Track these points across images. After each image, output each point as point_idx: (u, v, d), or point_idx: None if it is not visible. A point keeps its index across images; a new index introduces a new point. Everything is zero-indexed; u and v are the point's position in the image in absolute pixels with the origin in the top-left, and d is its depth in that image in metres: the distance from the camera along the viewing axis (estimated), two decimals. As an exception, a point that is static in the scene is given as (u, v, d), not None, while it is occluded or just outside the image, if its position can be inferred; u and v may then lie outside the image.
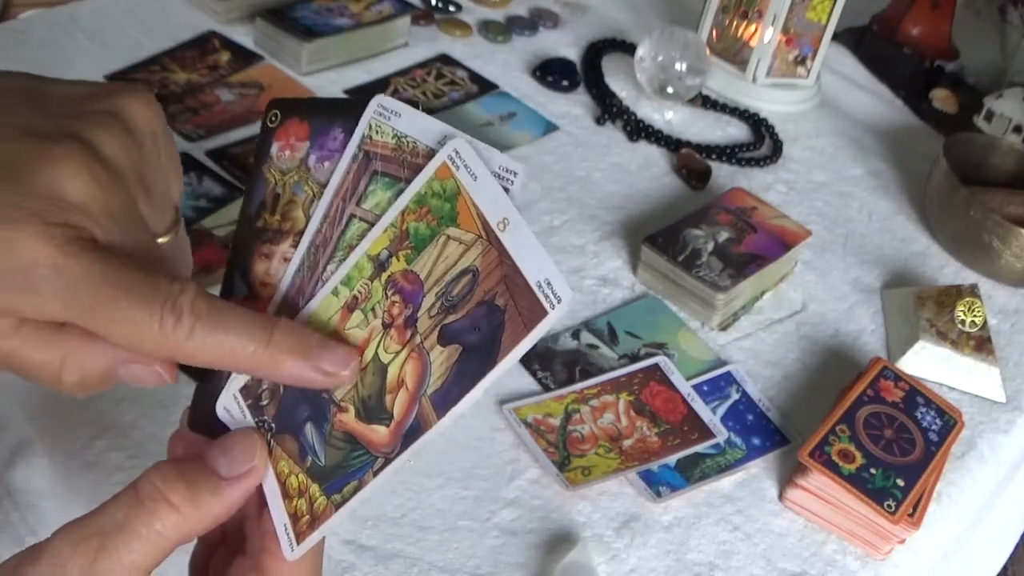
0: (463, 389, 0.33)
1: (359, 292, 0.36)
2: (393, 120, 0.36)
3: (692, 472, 0.64)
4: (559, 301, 0.32)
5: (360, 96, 0.37)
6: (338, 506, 0.36)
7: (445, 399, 0.34)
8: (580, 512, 0.60)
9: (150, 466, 0.33)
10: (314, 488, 0.36)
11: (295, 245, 0.37)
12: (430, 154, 0.35)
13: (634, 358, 0.71)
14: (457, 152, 0.34)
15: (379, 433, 0.35)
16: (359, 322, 0.36)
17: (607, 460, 0.63)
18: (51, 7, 0.95)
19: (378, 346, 0.35)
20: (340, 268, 0.36)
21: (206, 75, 0.90)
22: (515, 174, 0.33)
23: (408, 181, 0.35)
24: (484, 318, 0.33)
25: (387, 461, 0.35)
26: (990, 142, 0.99)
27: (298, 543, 0.36)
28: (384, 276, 0.35)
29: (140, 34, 0.93)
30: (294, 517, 0.36)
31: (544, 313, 0.32)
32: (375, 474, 0.35)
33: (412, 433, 0.34)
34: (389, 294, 0.35)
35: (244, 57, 0.93)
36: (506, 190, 0.33)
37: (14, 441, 0.56)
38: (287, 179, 0.38)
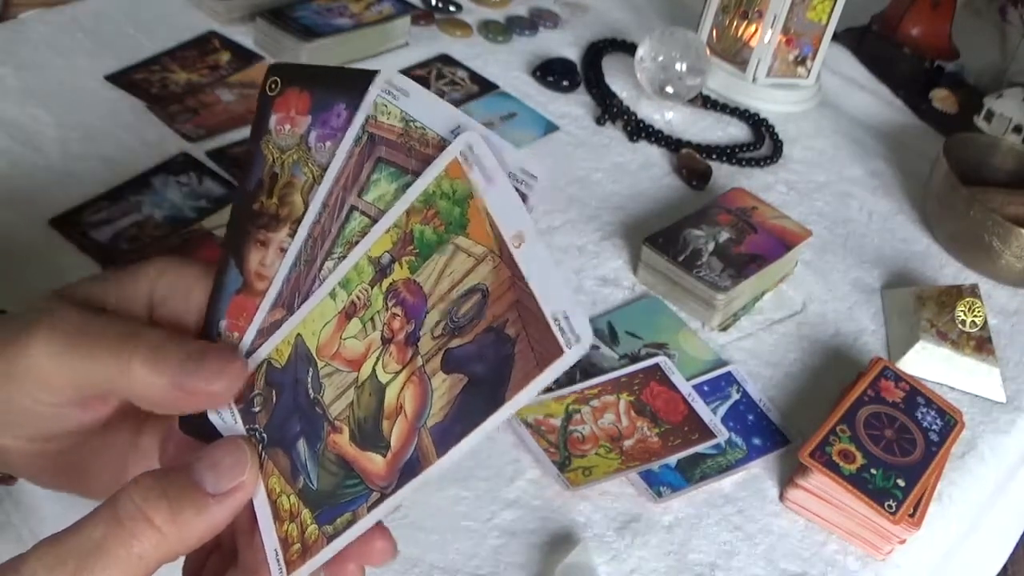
0: (466, 427, 0.30)
1: (358, 298, 0.32)
2: (401, 100, 0.32)
3: (693, 472, 0.64)
4: (577, 340, 0.28)
5: (366, 69, 0.34)
6: (330, 539, 0.33)
7: (446, 436, 0.30)
8: (581, 512, 0.60)
9: (130, 480, 0.31)
10: (306, 513, 0.33)
11: (292, 234, 0.34)
12: (440, 144, 0.31)
13: (634, 358, 0.71)
14: (471, 148, 0.30)
15: (375, 463, 0.32)
16: (356, 332, 0.32)
17: (608, 460, 0.63)
18: (51, 7, 0.95)
19: (376, 362, 0.32)
20: (339, 267, 0.33)
21: (206, 75, 0.90)
22: (535, 178, 0.30)
23: (415, 173, 0.31)
24: (492, 347, 0.29)
25: (383, 496, 0.32)
26: (990, 142, 0.99)
27: (287, 572, 0.33)
28: (385, 283, 0.32)
29: (140, 34, 0.93)
30: (285, 543, 0.33)
31: (560, 352, 0.28)
32: (369, 509, 0.32)
33: (410, 468, 0.31)
34: (390, 304, 0.32)
35: (244, 57, 0.93)
36: (523, 196, 0.30)
37: (15, 441, 0.56)
38: (286, 158, 0.34)
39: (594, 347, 0.71)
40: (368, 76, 0.32)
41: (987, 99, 1.13)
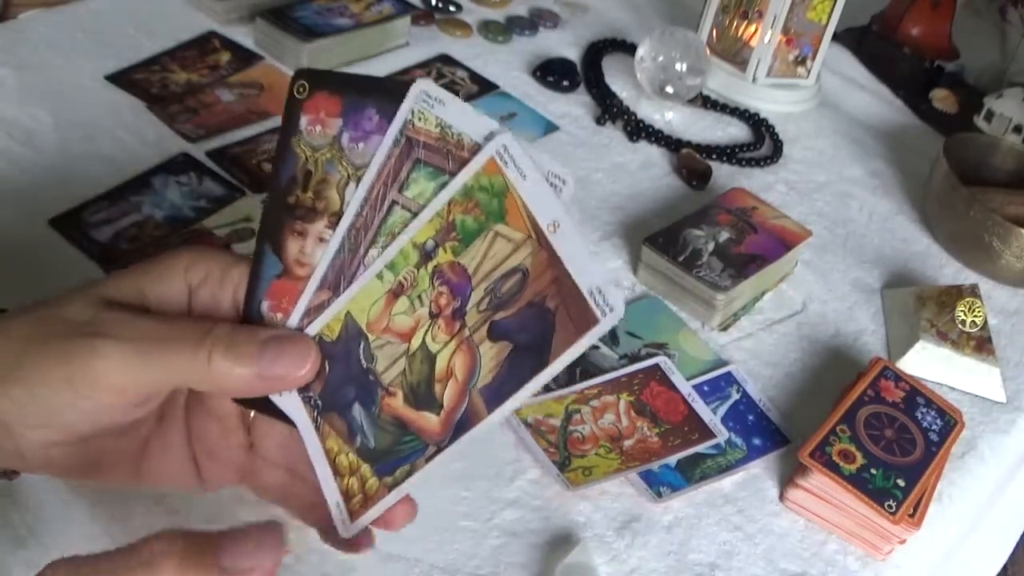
0: (514, 387, 0.34)
1: (405, 279, 0.36)
2: (437, 108, 0.35)
3: (693, 472, 0.64)
4: (611, 310, 0.32)
5: (396, 79, 0.37)
6: (391, 488, 0.36)
7: (496, 395, 0.34)
8: (581, 512, 0.60)
9: (154, 533, 0.32)
10: (365, 468, 0.37)
11: (331, 226, 0.37)
12: (475, 149, 0.34)
13: (635, 358, 0.71)
14: (506, 148, 0.34)
15: (430, 421, 0.36)
16: (405, 308, 0.36)
17: (608, 460, 0.63)
18: (51, 7, 0.95)
19: (426, 334, 0.36)
20: (384, 253, 0.36)
21: (206, 75, 0.90)
22: (564, 182, 0.33)
23: (452, 173, 0.35)
24: (534, 320, 0.33)
25: (439, 449, 0.35)
26: (990, 142, 0.99)
27: (351, 521, 0.37)
28: (430, 265, 0.35)
29: (140, 34, 0.93)
30: (346, 495, 0.37)
31: (595, 321, 0.32)
32: (427, 460, 0.36)
33: (462, 425, 0.35)
34: (436, 284, 0.35)
35: (244, 57, 0.93)
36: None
37: (14, 441, 0.56)
38: (319, 156, 0.37)
39: (594, 347, 0.71)
40: (400, 85, 0.36)
41: (987, 99, 1.13)
